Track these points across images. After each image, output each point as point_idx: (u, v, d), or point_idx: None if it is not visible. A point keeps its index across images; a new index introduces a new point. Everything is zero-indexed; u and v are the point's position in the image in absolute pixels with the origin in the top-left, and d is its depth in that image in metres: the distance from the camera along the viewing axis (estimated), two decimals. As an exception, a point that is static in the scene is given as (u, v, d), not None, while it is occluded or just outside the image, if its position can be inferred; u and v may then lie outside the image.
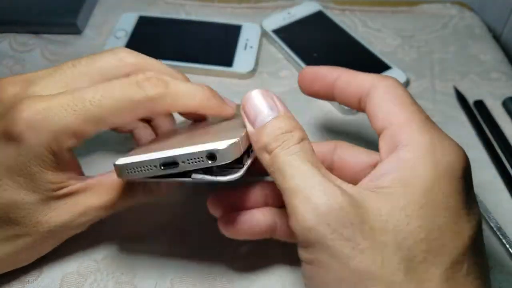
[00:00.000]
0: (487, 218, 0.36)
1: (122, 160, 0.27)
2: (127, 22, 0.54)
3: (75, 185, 0.29)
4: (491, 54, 0.51)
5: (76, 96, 0.28)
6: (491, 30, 0.55)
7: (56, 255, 0.33)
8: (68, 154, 0.29)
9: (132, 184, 0.31)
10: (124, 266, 0.33)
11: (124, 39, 0.51)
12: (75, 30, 0.53)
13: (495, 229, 0.36)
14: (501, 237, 0.35)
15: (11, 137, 0.27)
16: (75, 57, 0.32)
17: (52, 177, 0.28)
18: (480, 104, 0.46)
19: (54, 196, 0.29)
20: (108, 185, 0.30)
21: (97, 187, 0.30)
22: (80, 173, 0.32)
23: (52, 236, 0.30)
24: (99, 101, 0.27)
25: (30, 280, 0.32)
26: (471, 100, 0.46)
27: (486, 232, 0.36)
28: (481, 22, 0.56)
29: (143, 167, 0.26)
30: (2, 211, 0.28)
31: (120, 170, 0.27)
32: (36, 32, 0.53)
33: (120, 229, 0.35)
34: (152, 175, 0.26)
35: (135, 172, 0.26)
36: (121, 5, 0.57)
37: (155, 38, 0.52)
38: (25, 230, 0.29)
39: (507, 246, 0.35)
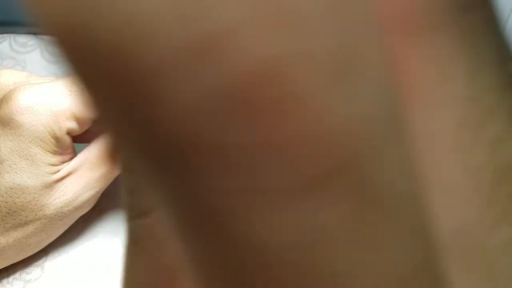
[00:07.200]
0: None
1: None
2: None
3: (69, 165, 0.31)
4: (492, 53, 0.52)
5: (70, 79, 0.30)
6: (491, 30, 0.56)
7: (58, 252, 0.33)
8: (68, 138, 0.31)
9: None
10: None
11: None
12: (76, 31, 0.53)
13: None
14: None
15: (12, 120, 0.29)
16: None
17: (52, 159, 0.30)
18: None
19: (54, 180, 0.30)
20: (99, 155, 0.32)
21: (90, 159, 0.32)
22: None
23: (60, 218, 0.31)
24: None
25: (32, 279, 0.32)
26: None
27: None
28: (481, 22, 0.56)
29: None
30: (8, 196, 0.29)
31: None
32: (36, 33, 0.53)
33: (119, 232, 0.35)
34: None
35: None
36: (122, 6, 0.57)
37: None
38: (32, 214, 0.30)
39: None
